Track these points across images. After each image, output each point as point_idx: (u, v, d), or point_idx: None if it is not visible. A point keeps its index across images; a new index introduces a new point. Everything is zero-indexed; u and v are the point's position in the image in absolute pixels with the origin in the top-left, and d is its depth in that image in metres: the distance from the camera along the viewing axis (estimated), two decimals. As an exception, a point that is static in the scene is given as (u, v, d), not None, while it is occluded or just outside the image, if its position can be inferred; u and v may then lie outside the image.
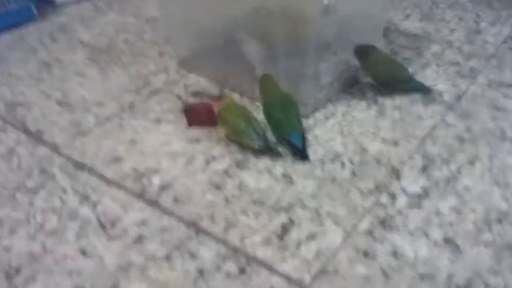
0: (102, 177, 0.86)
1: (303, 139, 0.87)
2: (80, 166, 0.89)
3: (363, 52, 1.00)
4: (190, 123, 0.96)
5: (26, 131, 0.99)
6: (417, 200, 0.77)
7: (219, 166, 0.86)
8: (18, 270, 0.70)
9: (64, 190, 0.83)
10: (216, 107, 0.92)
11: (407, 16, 1.34)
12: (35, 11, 1.47)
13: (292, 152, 0.87)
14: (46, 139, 0.96)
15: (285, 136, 0.87)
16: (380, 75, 1.00)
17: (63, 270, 0.70)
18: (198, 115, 0.95)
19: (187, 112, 0.96)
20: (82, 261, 0.71)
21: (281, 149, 0.87)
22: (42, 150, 0.93)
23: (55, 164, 0.89)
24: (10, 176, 0.88)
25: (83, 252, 0.72)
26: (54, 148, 0.94)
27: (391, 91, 1.00)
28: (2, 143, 0.96)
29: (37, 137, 0.97)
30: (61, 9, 1.57)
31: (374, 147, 0.88)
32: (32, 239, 0.75)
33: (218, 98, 0.95)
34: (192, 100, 0.98)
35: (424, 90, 1.00)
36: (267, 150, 0.86)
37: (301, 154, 0.86)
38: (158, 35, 1.33)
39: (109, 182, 0.85)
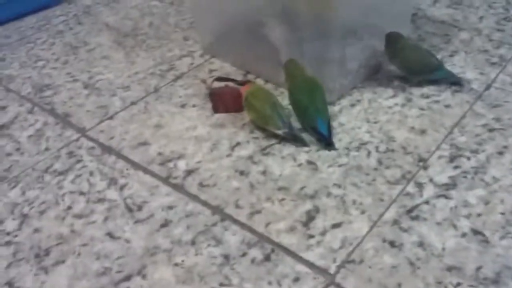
0: (128, 161, 0.87)
1: (329, 125, 0.86)
2: (107, 149, 0.90)
3: (392, 39, 0.98)
4: (216, 109, 0.96)
5: (54, 113, 1.00)
6: (444, 190, 0.76)
7: (244, 152, 0.86)
8: (47, 252, 0.72)
9: (91, 173, 0.85)
10: (242, 92, 0.91)
11: (435, 2, 1.31)
12: (60, -7, 1.47)
13: (318, 139, 0.87)
14: (73, 122, 0.98)
15: (311, 123, 0.87)
16: (409, 63, 0.98)
17: (91, 252, 0.71)
18: (224, 100, 0.95)
19: (212, 97, 0.96)
20: (109, 244, 0.72)
21: (306, 137, 0.87)
22: (70, 133, 0.95)
23: (83, 147, 0.91)
24: (39, 158, 0.89)
25: (111, 235, 0.74)
26: (81, 131, 0.95)
27: (419, 81, 0.98)
28: (31, 125, 0.97)
29: (64, 120, 0.98)
30: (85, -8, 1.57)
31: (401, 135, 0.87)
32: (61, 221, 0.77)
33: (244, 83, 0.94)
34: (217, 85, 0.97)
35: (454, 80, 0.98)
36: (292, 138, 0.86)
37: (326, 141, 0.86)
38: (183, 19, 1.33)
39: (135, 166, 0.86)
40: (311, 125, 0.87)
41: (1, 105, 1.04)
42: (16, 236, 0.75)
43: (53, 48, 1.24)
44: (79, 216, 0.77)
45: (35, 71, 1.15)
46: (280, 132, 0.86)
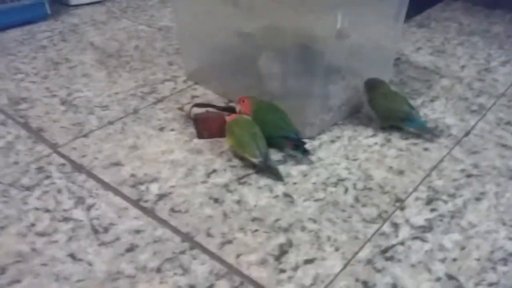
0: (99, 180, 0.84)
1: (300, 136, 0.89)
2: (78, 167, 0.87)
3: (370, 85, 1.00)
4: (201, 135, 0.94)
5: (27, 127, 0.97)
6: (420, 233, 0.75)
7: (220, 179, 0.84)
8: (3, 270, 0.68)
9: (59, 191, 0.81)
10: (228, 119, 0.91)
11: (418, 48, 1.34)
12: (48, 9, 1.46)
13: (294, 148, 0.89)
14: (46, 137, 0.94)
15: (282, 133, 0.89)
16: (380, 108, 0.98)
17: (50, 273, 0.67)
18: (208, 126, 0.94)
19: (196, 123, 0.94)
20: (70, 266, 0.68)
21: (280, 171, 0.86)
22: (41, 148, 0.91)
23: (53, 163, 0.87)
24: (6, 170, 0.85)
25: (73, 257, 0.70)
26: (54, 147, 0.92)
27: (390, 126, 0.98)
28: (1, 137, 0.94)
29: (37, 134, 0.95)
30: (74, 10, 1.57)
31: (379, 174, 0.87)
32: (22, 238, 0.73)
33: (225, 109, 0.94)
34: (197, 111, 0.96)
35: (425, 132, 0.97)
36: (267, 169, 0.85)
37: (302, 147, 0.88)
38: (169, 45, 1.33)
39: (106, 186, 0.83)
40: (283, 135, 0.89)
41: (-28, 115, 1.01)
42: (-30, 251, 0.70)
43: (34, 62, 1.22)
44: (41, 234, 0.73)
45: (13, 83, 1.12)
46: (255, 161, 0.84)
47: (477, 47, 1.37)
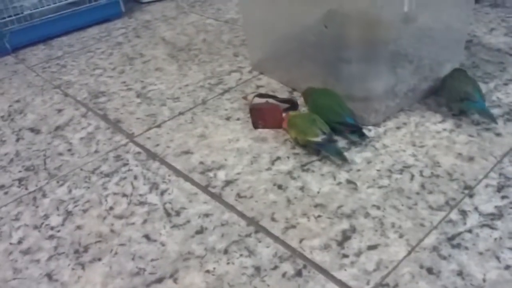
0: (171, 168, 0.89)
1: (355, 120, 0.90)
2: (152, 155, 0.93)
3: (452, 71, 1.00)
4: (256, 124, 0.97)
5: (106, 118, 1.05)
6: (490, 220, 0.72)
7: (284, 166, 0.87)
8: (86, 249, 0.74)
9: (135, 177, 0.87)
10: (286, 116, 0.93)
11: (492, 29, 1.28)
12: (122, 7, 1.55)
13: (350, 132, 0.90)
14: (123, 127, 1.01)
15: (338, 118, 0.90)
16: (446, 87, 0.98)
17: (127, 252, 0.73)
18: (263, 116, 0.96)
19: (252, 113, 0.97)
20: (145, 246, 0.74)
21: (346, 154, 0.86)
22: (119, 138, 0.98)
23: (130, 152, 0.94)
24: (88, 159, 0.93)
25: (148, 237, 0.75)
26: (130, 136, 0.98)
27: (461, 112, 0.96)
28: (83, 128, 1.02)
29: (115, 125, 1.02)
30: (146, 7, 1.65)
31: (447, 161, 0.84)
32: (102, 220, 0.79)
33: (285, 101, 0.96)
34: (257, 101, 0.99)
35: (485, 115, 0.92)
36: (331, 147, 0.86)
37: (359, 131, 0.89)
38: (236, 37, 1.36)
39: (177, 173, 0.88)
40: (339, 121, 0.90)
41: (58, 108, 1.10)
42: (59, 231, 0.78)
43: (111, 58, 1.30)
44: (119, 217, 0.80)
45: (92, 78, 1.21)
46: (319, 139, 0.85)
47: (560, 25, 1.28)
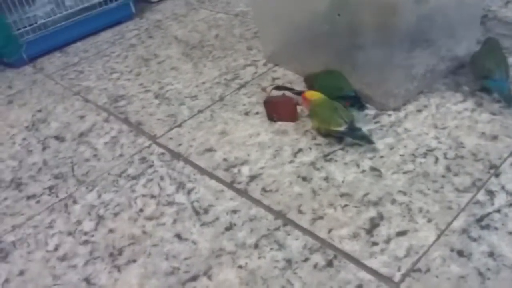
0: (195, 166, 0.90)
1: (356, 93, 0.94)
2: (176, 155, 0.94)
3: (484, 42, 1.01)
4: (271, 117, 0.97)
5: (127, 122, 1.07)
6: (518, 199, 0.72)
7: (306, 158, 0.87)
8: (120, 251, 0.76)
9: (162, 178, 0.89)
10: (303, 99, 0.93)
11: (507, 2, 1.25)
12: (133, 8, 1.56)
13: (351, 105, 0.93)
14: (145, 129, 1.03)
15: (340, 93, 0.93)
16: (472, 61, 0.98)
17: (161, 253, 0.75)
18: (277, 109, 0.97)
19: (267, 106, 0.98)
20: (178, 245, 0.76)
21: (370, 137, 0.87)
22: (142, 140, 1.00)
23: (154, 153, 0.96)
24: (114, 163, 0.95)
25: (179, 237, 0.77)
26: (153, 138, 1.00)
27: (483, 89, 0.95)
28: (106, 133, 1.04)
29: (137, 128, 1.04)
30: (156, 6, 1.66)
31: (470, 141, 0.84)
32: (133, 222, 0.81)
33: (302, 93, 0.96)
34: (275, 93, 0.99)
35: (502, 95, 0.91)
36: (354, 135, 0.86)
37: (358, 102, 0.93)
38: (247, 30, 1.36)
39: (202, 171, 0.89)
40: (339, 95, 0.93)
41: (80, 115, 1.12)
42: (92, 236, 0.80)
43: (127, 61, 1.32)
44: (150, 218, 0.81)
45: (111, 83, 1.23)
46: (342, 128, 0.86)
47: None
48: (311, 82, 1.01)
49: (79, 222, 0.83)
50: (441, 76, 1.01)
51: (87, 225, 0.82)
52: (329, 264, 0.69)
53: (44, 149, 1.03)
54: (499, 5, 1.25)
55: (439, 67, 1.00)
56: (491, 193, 0.74)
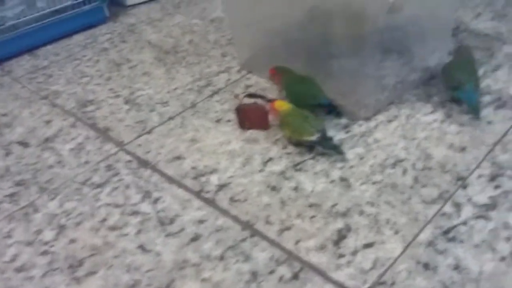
0: (163, 175, 0.88)
1: (330, 101, 0.93)
2: (143, 163, 0.92)
3: (455, 51, 1.02)
4: (242, 125, 0.96)
5: (95, 128, 1.04)
6: (484, 211, 0.72)
7: (276, 167, 0.86)
8: (81, 263, 0.74)
9: (127, 186, 0.87)
10: (272, 108, 0.92)
11: (478, 15, 1.27)
12: (107, 12, 1.54)
13: (327, 113, 0.93)
14: (113, 136, 1.00)
15: (315, 101, 0.92)
16: (443, 72, 0.98)
17: (123, 264, 0.73)
18: (249, 117, 0.95)
19: (238, 113, 0.97)
20: (141, 257, 0.73)
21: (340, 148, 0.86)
22: (109, 147, 0.97)
23: (121, 161, 0.93)
24: (78, 170, 0.92)
25: (142, 248, 0.75)
26: (120, 145, 0.98)
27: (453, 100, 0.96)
28: (73, 139, 1.01)
29: (104, 134, 1.01)
30: (130, 10, 1.63)
31: (439, 152, 0.84)
32: (95, 232, 0.79)
33: (274, 100, 0.95)
34: (246, 101, 0.98)
35: (472, 107, 0.91)
36: (326, 145, 0.86)
37: (335, 110, 0.93)
38: (222, 36, 1.35)
39: (170, 179, 0.87)
40: (314, 103, 0.92)
41: (46, 120, 1.09)
42: (52, 246, 0.77)
43: (98, 65, 1.29)
44: (113, 228, 0.79)
45: (80, 87, 1.20)
46: (314, 138, 0.85)
47: (546, 7, 1.27)
48: (279, 78, 1.00)
49: (39, 232, 0.80)
50: (412, 86, 1.01)
51: (47, 235, 0.79)
52: (295, 276, 0.67)
53: (7, 154, 0.99)
54: (471, 16, 1.26)
55: (410, 78, 1.00)
56: (458, 205, 0.74)
